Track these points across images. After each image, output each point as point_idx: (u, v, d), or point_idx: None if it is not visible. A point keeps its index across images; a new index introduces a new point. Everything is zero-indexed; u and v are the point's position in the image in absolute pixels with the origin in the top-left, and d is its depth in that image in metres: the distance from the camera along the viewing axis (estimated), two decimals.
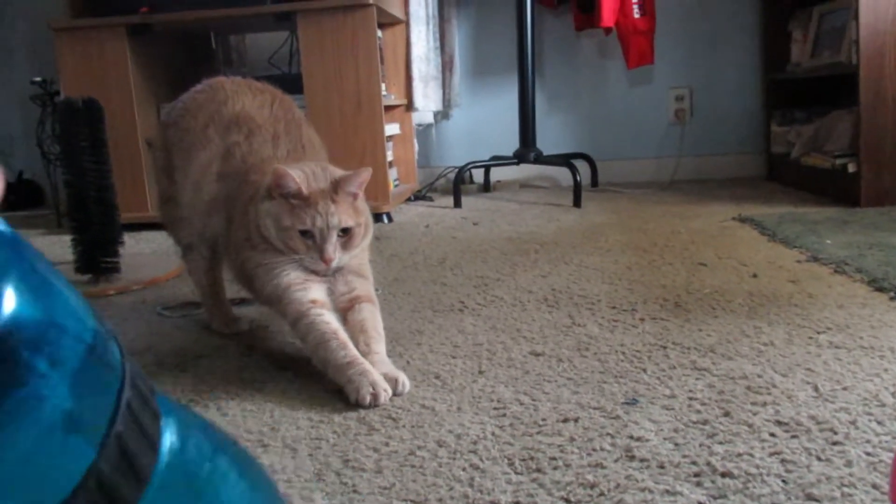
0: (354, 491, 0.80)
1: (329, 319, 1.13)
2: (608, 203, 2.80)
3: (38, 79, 2.85)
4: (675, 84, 3.31)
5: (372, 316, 1.19)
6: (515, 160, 3.00)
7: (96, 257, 1.80)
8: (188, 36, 2.96)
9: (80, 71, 2.63)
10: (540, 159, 2.98)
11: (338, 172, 1.17)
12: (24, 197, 3.51)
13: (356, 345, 1.12)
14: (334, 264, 1.14)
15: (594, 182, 3.22)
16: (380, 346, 1.15)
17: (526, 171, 3.28)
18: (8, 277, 0.36)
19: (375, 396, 1.02)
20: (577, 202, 2.73)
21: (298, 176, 1.12)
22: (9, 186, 3.53)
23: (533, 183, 3.39)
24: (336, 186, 1.14)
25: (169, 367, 1.24)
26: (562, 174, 3.21)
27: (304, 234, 1.13)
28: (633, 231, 2.22)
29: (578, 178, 2.74)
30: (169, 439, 0.43)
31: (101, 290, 1.79)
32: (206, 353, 1.30)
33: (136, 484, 0.39)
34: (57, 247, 2.39)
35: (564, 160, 2.91)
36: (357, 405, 1.02)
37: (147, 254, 2.29)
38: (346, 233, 1.15)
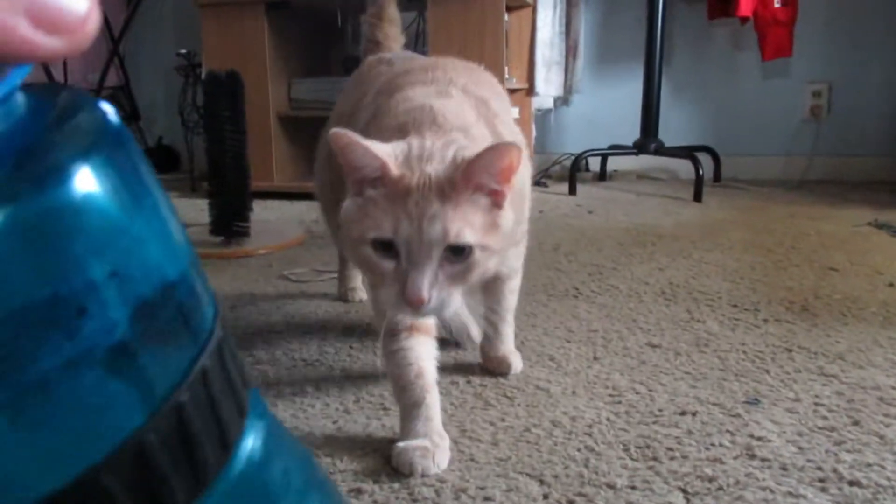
0: (472, 459, 0.83)
1: (412, 350, 0.87)
2: (731, 199, 2.70)
3: (182, 51, 3.03)
4: (813, 78, 3.13)
5: (506, 296, 1.05)
6: (635, 150, 2.94)
7: (229, 221, 1.92)
8: (319, 14, 3.07)
9: (221, 44, 2.79)
10: (661, 150, 2.91)
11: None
12: (162, 161, 3.76)
13: (486, 323, 1.05)
14: (429, 308, 0.71)
15: (717, 177, 3.11)
16: (504, 326, 1.08)
17: (644, 161, 3.20)
18: (94, 156, 0.27)
19: (412, 467, 0.79)
20: (697, 196, 2.65)
21: (381, 150, 0.72)
22: (148, 150, 3.80)
23: (651, 174, 3.31)
24: (456, 172, 0.71)
25: (295, 328, 1.31)
26: (682, 167, 3.12)
27: (384, 248, 0.72)
28: (758, 230, 2.14)
29: (701, 172, 2.66)
30: (251, 443, 0.33)
31: (232, 251, 1.90)
32: (330, 319, 1.36)
33: (191, 481, 0.29)
34: (191, 209, 2.55)
35: (687, 152, 2.82)
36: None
37: (273, 221, 2.41)
38: (458, 254, 0.71)
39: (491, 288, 1.03)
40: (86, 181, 0.26)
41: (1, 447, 0.25)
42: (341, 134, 0.71)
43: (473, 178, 0.72)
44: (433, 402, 0.85)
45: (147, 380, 0.28)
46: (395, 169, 0.71)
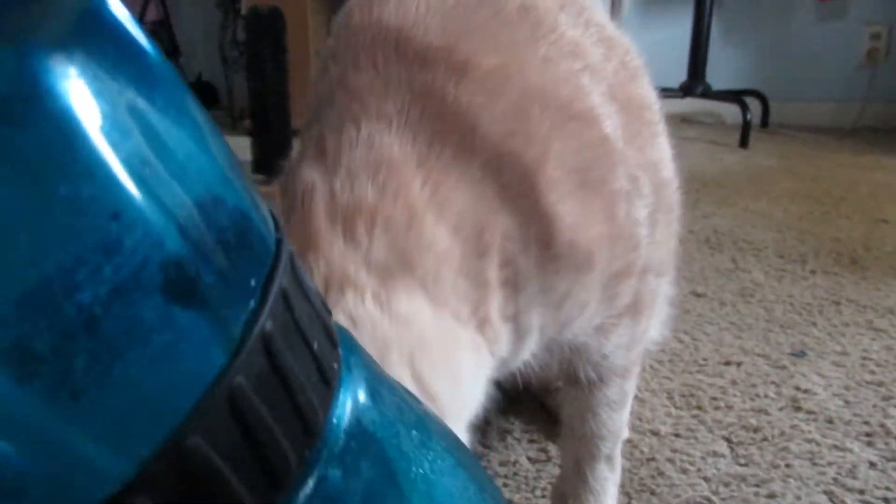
0: (520, 403, 0.84)
1: None
2: (779, 146, 2.63)
3: None
4: (872, 20, 2.99)
5: (600, 414, 0.57)
6: (681, 92, 2.86)
7: (272, 159, 1.92)
8: None
9: None
10: (708, 93, 2.83)
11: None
12: (201, 97, 3.76)
13: (562, 452, 0.63)
14: None
15: (764, 122, 3.02)
16: (593, 469, 0.60)
17: (690, 104, 3.11)
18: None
19: None
20: (744, 142, 2.58)
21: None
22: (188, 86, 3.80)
23: (696, 118, 3.23)
24: None
25: None
26: (728, 111, 3.03)
27: None
28: (806, 179, 2.08)
29: (748, 116, 2.58)
30: (353, 387, 0.26)
31: (274, 190, 1.91)
32: None
33: (297, 429, 0.23)
34: (232, 147, 2.56)
35: (735, 96, 2.74)
36: None
37: None
38: None
39: (575, 391, 0.57)
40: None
41: (60, 425, 0.18)
42: None
43: None
44: None
45: (217, 306, 0.21)
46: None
